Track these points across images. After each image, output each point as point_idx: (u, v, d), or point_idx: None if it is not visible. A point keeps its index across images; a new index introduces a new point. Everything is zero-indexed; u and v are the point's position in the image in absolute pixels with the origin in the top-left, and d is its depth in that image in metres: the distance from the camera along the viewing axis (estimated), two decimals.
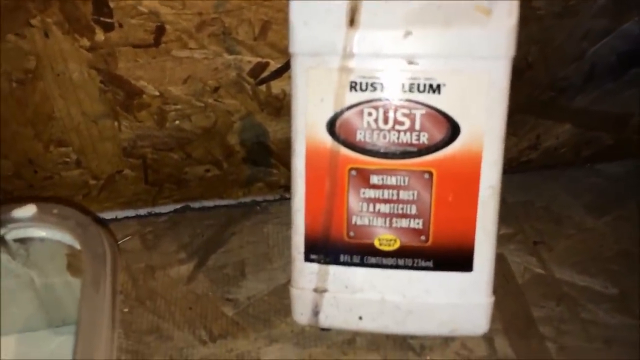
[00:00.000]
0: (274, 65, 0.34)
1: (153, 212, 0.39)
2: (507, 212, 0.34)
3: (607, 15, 0.33)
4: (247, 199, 0.40)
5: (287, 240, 0.33)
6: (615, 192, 0.38)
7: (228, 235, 0.37)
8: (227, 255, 0.36)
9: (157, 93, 0.34)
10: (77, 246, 0.27)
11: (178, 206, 0.39)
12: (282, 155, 0.38)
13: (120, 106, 0.34)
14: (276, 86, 0.35)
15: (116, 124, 0.35)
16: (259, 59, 0.34)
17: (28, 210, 0.27)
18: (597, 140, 0.40)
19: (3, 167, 0.35)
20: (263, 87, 0.35)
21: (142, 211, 0.39)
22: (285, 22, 0.31)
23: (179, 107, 0.35)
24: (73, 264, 0.29)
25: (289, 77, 0.32)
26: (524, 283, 0.33)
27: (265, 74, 0.34)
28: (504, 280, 0.31)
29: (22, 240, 0.28)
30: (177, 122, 0.36)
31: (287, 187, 0.41)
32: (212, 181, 0.39)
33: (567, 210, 0.37)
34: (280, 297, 0.33)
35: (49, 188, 0.38)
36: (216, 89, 0.35)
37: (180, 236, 0.37)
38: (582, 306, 0.31)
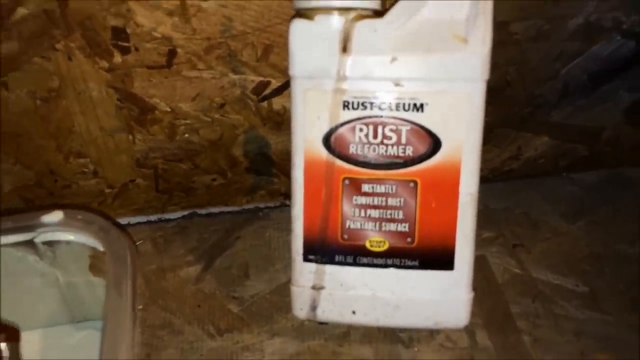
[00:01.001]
0: (275, 83, 0.36)
1: (163, 218, 0.42)
2: (489, 218, 0.36)
3: (577, 39, 0.36)
4: (250, 206, 0.43)
5: (287, 244, 0.36)
6: (588, 199, 0.41)
7: (233, 239, 0.40)
8: (232, 257, 0.38)
9: (168, 109, 0.37)
10: (100, 248, 0.29)
11: (186, 212, 0.42)
12: (282, 165, 0.41)
13: (135, 121, 0.37)
14: (277, 103, 0.38)
15: (130, 137, 0.38)
16: (261, 78, 0.36)
17: (55, 216, 0.30)
18: (572, 152, 0.43)
19: (26, 177, 0.38)
20: (265, 104, 0.37)
21: (153, 217, 0.41)
22: (285, 45, 0.34)
23: (188, 121, 0.38)
24: (95, 264, 0.31)
25: (289, 95, 0.36)
26: (503, 282, 0.35)
27: (267, 91, 0.37)
28: (484, 280, 0.34)
29: (49, 243, 0.31)
30: (186, 135, 0.38)
31: (287, 195, 0.43)
32: (217, 189, 0.42)
33: (544, 216, 0.40)
34: (281, 295, 0.35)
35: (67, 196, 0.40)
36: (222, 105, 0.37)
37: (189, 240, 0.40)
38: (555, 303, 0.34)
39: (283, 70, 0.36)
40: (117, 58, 0.34)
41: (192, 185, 0.41)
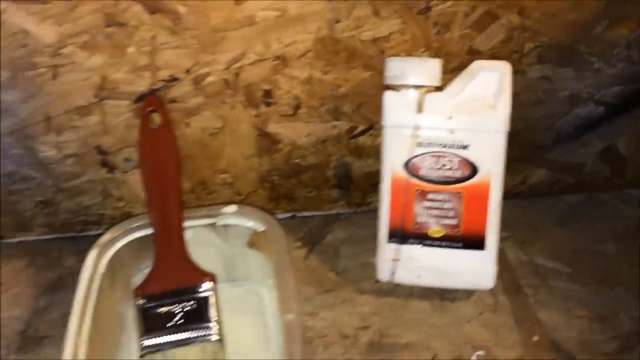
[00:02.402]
0: (361, 127, 0.52)
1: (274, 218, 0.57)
2: (504, 224, 0.49)
3: (565, 104, 0.51)
4: (333, 212, 0.58)
5: (363, 237, 0.53)
6: (575, 212, 0.57)
7: (325, 233, 0.55)
8: (326, 245, 0.53)
9: (288, 142, 0.53)
10: (259, 229, 0.45)
11: (289, 214, 0.57)
12: (358, 183, 0.56)
13: (265, 150, 0.53)
14: (361, 140, 0.53)
15: (260, 160, 0.54)
16: (352, 124, 0.52)
17: (231, 208, 0.46)
18: (562, 180, 0.57)
19: (185, 186, 0.55)
20: (352, 141, 0.53)
21: None
22: (370, 103, 0.50)
23: (300, 151, 0.53)
24: (252, 241, 0.46)
25: (370, 135, 0.52)
26: (515, 265, 0.51)
27: (355, 132, 0.52)
28: (502, 263, 0.49)
29: (224, 226, 0.45)
30: (297, 160, 0.54)
31: (360, 204, 0.58)
32: (312, 199, 0.56)
33: (542, 224, 0.55)
34: (364, 269, 0.50)
35: (209, 200, 0.57)
36: (324, 141, 0.53)
37: (294, 232, 0.55)
38: (549, 278, 0.49)
39: (368, 119, 0.51)
40: (262, 109, 0.50)
41: (295, 195, 0.56)
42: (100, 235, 0.46)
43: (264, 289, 0.49)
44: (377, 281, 0.49)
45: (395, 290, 0.49)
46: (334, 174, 0.55)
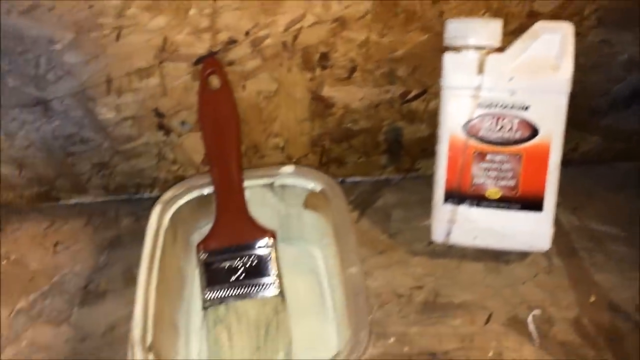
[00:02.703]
0: (415, 92, 0.52)
1: None
2: (558, 190, 0.52)
3: (623, 68, 0.51)
4: (382, 177, 0.59)
5: (413, 201, 0.53)
6: (627, 179, 0.56)
7: (375, 198, 0.56)
8: (377, 209, 0.54)
9: (341, 106, 0.53)
10: (317, 190, 0.46)
11: (339, 179, 0.58)
12: (409, 149, 0.56)
13: (318, 114, 0.54)
14: (414, 105, 0.53)
15: (312, 125, 0.55)
16: (405, 88, 0.52)
17: (289, 169, 0.47)
18: (615, 148, 0.57)
19: None
20: (405, 105, 0.54)
21: None
22: (425, 67, 0.50)
23: (352, 115, 0.54)
24: (308, 201, 0.47)
25: (423, 100, 0.52)
26: (569, 230, 0.51)
27: (409, 97, 0.53)
28: (557, 227, 0.48)
29: (282, 186, 0.46)
30: (349, 124, 0.55)
31: (409, 170, 0.59)
32: (361, 164, 0.57)
33: (595, 190, 0.55)
34: (416, 231, 0.51)
35: (261, 165, 0.57)
36: (377, 106, 0.54)
37: (345, 197, 0.57)
38: (604, 241, 0.50)
39: (422, 83, 0.51)
40: (318, 72, 0.50)
41: (345, 160, 0.57)
42: (154, 198, 0.48)
43: (318, 249, 0.50)
44: (431, 243, 0.50)
45: (449, 252, 0.50)
46: (385, 138, 0.55)
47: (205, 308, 0.43)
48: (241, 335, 0.42)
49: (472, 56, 0.44)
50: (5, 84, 0.48)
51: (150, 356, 0.36)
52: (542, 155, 0.44)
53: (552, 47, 0.43)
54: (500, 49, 0.44)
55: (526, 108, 0.44)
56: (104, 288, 0.49)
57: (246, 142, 0.54)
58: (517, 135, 0.44)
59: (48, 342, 0.45)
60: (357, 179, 0.58)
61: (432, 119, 0.53)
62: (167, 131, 0.53)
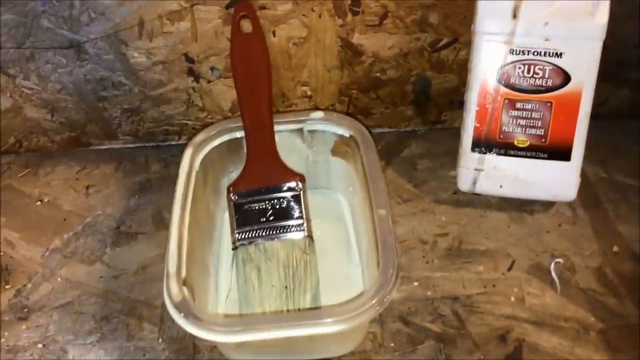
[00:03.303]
0: (446, 40, 0.52)
1: None
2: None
3: None
4: (409, 129, 0.59)
5: (439, 153, 0.54)
6: None
7: (401, 148, 0.56)
8: (403, 159, 0.55)
9: (371, 54, 0.53)
10: (346, 135, 0.47)
11: None
12: (436, 100, 0.56)
13: (347, 62, 0.53)
14: (444, 54, 0.53)
15: (341, 73, 0.55)
16: (437, 36, 0.52)
17: (318, 114, 0.47)
18: None
19: None
20: (435, 54, 0.54)
21: None
22: (456, 15, 0.50)
23: (381, 64, 0.54)
24: (335, 148, 0.47)
25: (453, 48, 0.52)
26: (594, 182, 0.51)
27: (439, 45, 0.53)
28: (583, 179, 0.49)
29: (311, 132, 0.47)
30: (377, 74, 0.55)
31: (435, 122, 0.59)
32: (388, 115, 0.57)
33: (623, 144, 0.54)
34: (441, 181, 0.52)
35: (287, 113, 0.58)
36: (406, 54, 0.53)
37: None
38: (630, 193, 0.50)
39: (453, 31, 0.51)
40: (349, 18, 0.50)
41: (371, 111, 0.57)
42: (182, 145, 0.48)
43: (343, 196, 0.51)
44: (455, 192, 0.50)
45: (473, 201, 0.50)
46: (413, 89, 0.55)
47: (235, 248, 0.44)
48: (270, 275, 0.43)
49: (506, 1, 0.43)
50: (40, 25, 0.48)
51: (185, 290, 0.37)
52: (572, 104, 0.44)
53: None
54: None
55: (560, 55, 0.43)
56: (135, 229, 0.51)
57: (274, 89, 0.54)
58: (549, 83, 0.44)
59: (82, 279, 0.47)
60: (383, 130, 0.58)
61: (461, 69, 0.52)
62: (197, 77, 0.53)
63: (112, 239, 0.50)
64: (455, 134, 0.50)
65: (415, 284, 0.45)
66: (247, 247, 0.44)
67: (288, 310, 0.41)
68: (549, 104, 0.44)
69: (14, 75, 0.52)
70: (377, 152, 0.45)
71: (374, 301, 0.35)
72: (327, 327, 0.34)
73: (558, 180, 0.46)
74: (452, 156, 0.51)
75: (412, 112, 0.57)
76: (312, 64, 0.52)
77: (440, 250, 0.47)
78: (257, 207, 0.45)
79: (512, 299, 0.44)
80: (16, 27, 0.49)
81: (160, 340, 0.43)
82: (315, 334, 0.35)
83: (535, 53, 0.43)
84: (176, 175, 0.44)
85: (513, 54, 0.44)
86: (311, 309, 0.41)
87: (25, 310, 0.45)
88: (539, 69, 0.44)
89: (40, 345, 0.43)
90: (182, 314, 0.35)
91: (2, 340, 0.43)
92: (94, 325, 0.44)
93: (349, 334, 0.39)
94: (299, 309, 0.41)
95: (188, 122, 0.57)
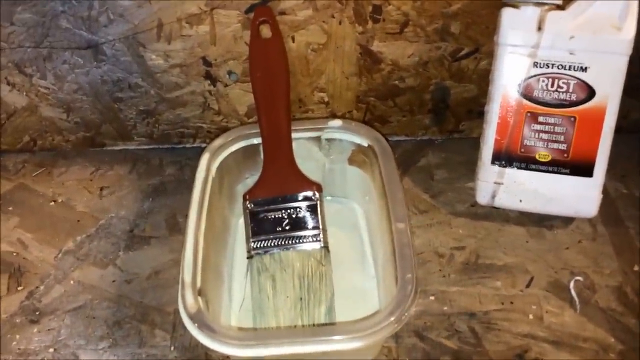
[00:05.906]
0: (467, 50, 0.51)
1: None
2: None
3: None
4: (425, 137, 0.59)
5: (457, 162, 0.53)
6: None
7: (418, 157, 0.56)
8: (419, 168, 0.54)
9: (390, 62, 0.52)
10: (364, 144, 0.46)
11: None
12: (454, 109, 0.56)
13: (366, 69, 0.53)
14: (464, 64, 0.52)
15: (359, 80, 0.54)
16: (457, 46, 0.51)
17: (336, 122, 0.46)
18: None
19: None
20: (455, 64, 0.53)
21: None
22: (478, 24, 0.49)
23: (400, 72, 0.53)
24: (352, 157, 0.47)
25: (474, 58, 0.51)
26: (615, 198, 0.50)
27: (460, 55, 0.52)
28: (604, 195, 0.48)
29: (329, 140, 0.46)
30: (396, 82, 0.54)
31: (452, 131, 0.58)
32: (405, 123, 0.57)
33: None
34: (458, 193, 0.51)
35: (304, 119, 0.57)
36: (426, 63, 0.53)
37: None
38: None
39: (474, 41, 0.50)
40: (369, 25, 0.49)
41: (389, 119, 0.56)
42: (197, 148, 0.48)
43: (359, 205, 0.50)
44: (473, 205, 0.50)
45: (491, 214, 0.49)
46: (431, 97, 0.54)
47: (250, 257, 0.44)
48: (284, 285, 0.42)
49: (531, 12, 0.42)
50: (58, 25, 0.48)
51: (200, 301, 0.37)
52: (597, 119, 0.43)
53: (616, 7, 0.41)
54: (561, 7, 0.43)
55: (585, 69, 0.42)
56: (148, 233, 0.50)
57: (291, 95, 0.53)
58: (573, 97, 0.43)
59: (95, 283, 0.47)
60: (400, 137, 0.57)
61: (481, 79, 0.52)
62: (214, 81, 0.52)
63: (125, 243, 0.50)
64: (473, 144, 0.50)
65: (432, 298, 0.44)
66: (262, 257, 0.43)
67: (303, 325, 0.41)
68: (572, 119, 0.43)
69: (31, 74, 0.52)
70: (395, 162, 0.44)
71: (392, 318, 0.34)
72: (343, 344, 0.34)
73: (579, 196, 0.45)
74: (469, 167, 0.50)
75: (430, 121, 0.56)
76: (330, 71, 0.52)
77: (457, 264, 0.46)
78: (273, 216, 0.44)
79: (531, 316, 0.43)
80: (34, 27, 0.49)
81: (172, 348, 0.42)
82: (330, 351, 0.34)
83: (560, 67, 0.43)
84: (190, 178, 0.44)
85: (537, 66, 0.43)
86: (326, 323, 0.41)
87: (37, 313, 0.45)
88: (563, 82, 0.43)
89: (51, 350, 0.42)
90: (197, 325, 0.35)
91: (14, 343, 0.43)
92: (106, 330, 0.43)
93: (363, 349, 0.39)
94: (314, 324, 0.41)
95: (203, 125, 0.56)
